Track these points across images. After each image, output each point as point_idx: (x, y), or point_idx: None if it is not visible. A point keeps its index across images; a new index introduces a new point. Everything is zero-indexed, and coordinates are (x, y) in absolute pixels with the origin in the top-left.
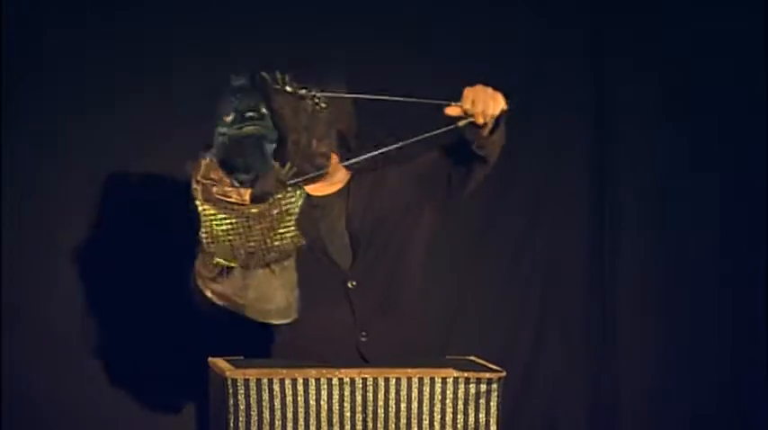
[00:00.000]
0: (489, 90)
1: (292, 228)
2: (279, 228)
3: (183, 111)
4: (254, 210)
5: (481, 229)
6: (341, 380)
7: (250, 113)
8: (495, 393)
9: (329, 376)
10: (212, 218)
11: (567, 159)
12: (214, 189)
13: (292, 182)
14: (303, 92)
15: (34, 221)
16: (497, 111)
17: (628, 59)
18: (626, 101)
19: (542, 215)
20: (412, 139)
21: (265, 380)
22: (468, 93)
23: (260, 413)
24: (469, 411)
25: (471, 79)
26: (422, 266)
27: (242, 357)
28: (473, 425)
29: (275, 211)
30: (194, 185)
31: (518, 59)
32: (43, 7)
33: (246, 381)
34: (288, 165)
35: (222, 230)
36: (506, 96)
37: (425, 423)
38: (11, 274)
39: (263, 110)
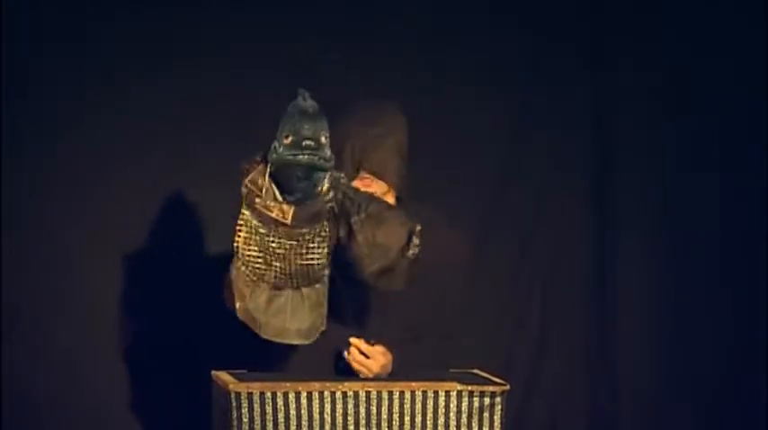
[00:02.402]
0: None
1: (325, 251)
2: (310, 252)
3: (183, 111)
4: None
5: (480, 235)
6: (344, 393)
7: (308, 142)
8: (499, 406)
9: (333, 389)
10: (253, 228)
11: (567, 160)
12: (257, 200)
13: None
14: None
15: (34, 221)
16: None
17: (628, 59)
18: (626, 101)
19: (542, 217)
20: None
21: (269, 394)
22: None
23: (263, 426)
24: (473, 424)
25: (472, 79)
26: None
27: (245, 370)
28: None
29: (307, 234)
30: (242, 188)
31: (518, 59)
32: (43, 7)
33: (250, 395)
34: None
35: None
36: None
37: None
38: (11, 274)
39: (323, 139)
